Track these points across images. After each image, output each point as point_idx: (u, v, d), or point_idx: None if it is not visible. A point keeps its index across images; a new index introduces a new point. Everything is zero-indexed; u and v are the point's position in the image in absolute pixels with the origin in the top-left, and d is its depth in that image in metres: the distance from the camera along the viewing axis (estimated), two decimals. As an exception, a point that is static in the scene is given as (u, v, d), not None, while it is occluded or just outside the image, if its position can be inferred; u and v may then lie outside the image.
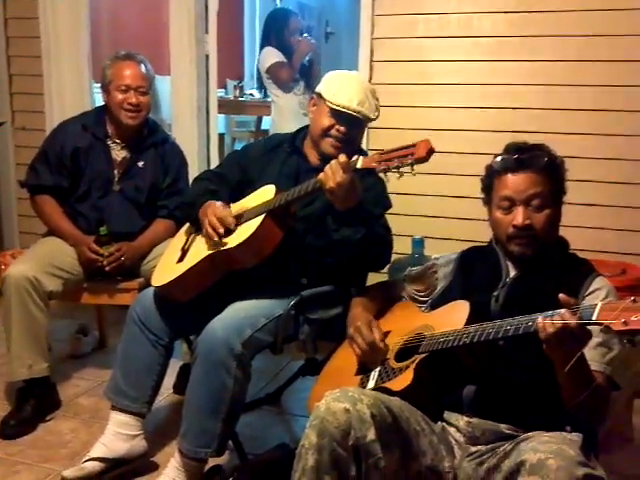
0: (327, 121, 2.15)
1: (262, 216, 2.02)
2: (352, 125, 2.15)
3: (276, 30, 4.16)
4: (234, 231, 2.08)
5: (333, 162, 1.87)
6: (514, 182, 1.70)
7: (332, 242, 2.01)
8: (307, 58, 3.94)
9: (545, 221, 1.69)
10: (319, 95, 2.19)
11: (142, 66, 2.74)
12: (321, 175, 1.90)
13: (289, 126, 3.94)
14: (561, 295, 1.39)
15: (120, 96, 2.70)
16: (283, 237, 2.04)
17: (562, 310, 1.37)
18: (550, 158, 1.73)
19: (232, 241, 2.05)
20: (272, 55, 4.14)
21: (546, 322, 1.38)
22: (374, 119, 2.20)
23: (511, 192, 1.70)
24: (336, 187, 1.85)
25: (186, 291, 2.16)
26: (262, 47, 4.27)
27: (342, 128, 2.14)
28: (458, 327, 1.61)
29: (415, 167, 1.71)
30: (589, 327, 1.36)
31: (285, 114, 4.03)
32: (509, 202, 1.71)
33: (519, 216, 1.68)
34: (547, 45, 2.91)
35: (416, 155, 1.70)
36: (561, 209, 1.75)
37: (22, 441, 2.46)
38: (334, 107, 2.12)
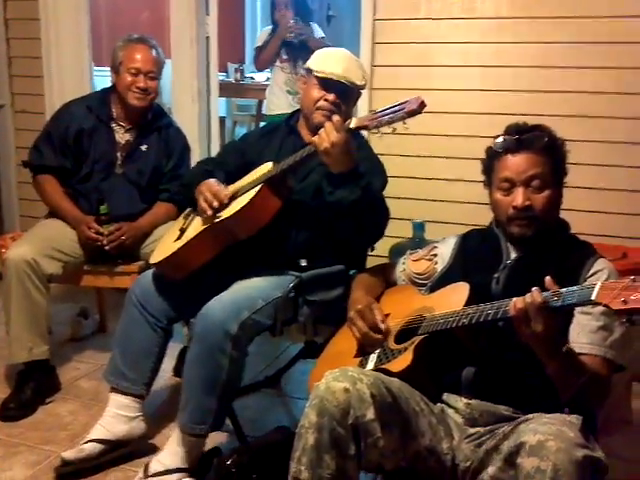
0: (316, 93, 2.18)
1: (259, 185, 2.04)
2: (340, 93, 2.16)
3: (271, 6, 4.12)
4: (229, 206, 2.09)
5: (327, 123, 1.90)
6: (514, 163, 1.69)
7: (328, 205, 2.01)
8: (296, 39, 3.88)
9: (545, 202, 1.68)
10: (308, 70, 2.23)
11: (154, 51, 2.74)
12: (315, 137, 1.93)
13: (275, 102, 3.96)
14: (547, 278, 1.40)
15: (129, 78, 2.69)
16: (280, 208, 2.05)
17: (533, 289, 1.40)
18: (550, 138, 1.71)
19: (228, 211, 2.06)
20: (258, 39, 4.16)
21: (517, 299, 1.41)
22: (361, 86, 2.22)
23: (511, 173, 1.69)
24: (330, 147, 1.88)
25: (183, 267, 2.16)
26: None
27: (331, 96, 2.16)
28: (458, 308, 1.61)
29: (407, 122, 1.75)
30: (593, 307, 1.37)
31: (273, 90, 4.03)
32: (509, 183, 1.70)
33: (519, 197, 1.67)
34: (549, 27, 2.88)
35: (407, 109, 1.74)
36: (562, 190, 1.74)
37: (22, 423, 2.47)
38: (320, 75, 2.16)
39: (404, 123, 1.76)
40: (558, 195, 1.72)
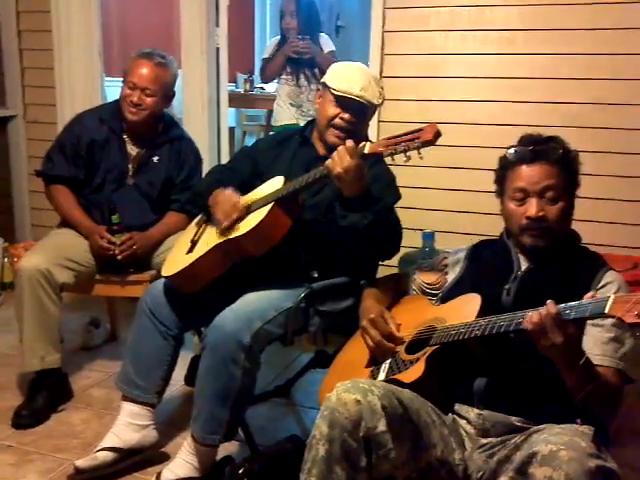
0: (332, 110, 2.16)
1: (271, 204, 2.04)
2: (356, 112, 2.15)
3: (280, 14, 4.13)
4: (243, 220, 2.09)
5: (340, 148, 1.89)
6: (528, 173, 1.70)
7: (340, 229, 2.01)
8: (300, 56, 3.89)
9: (559, 213, 1.69)
10: (324, 85, 2.21)
11: (159, 68, 2.71)
12: (328, 162, 1.91)
13: (281, 113, 3.97)
14: (548, 302, 1.42)
15: (127, 91, 2.71)
16: (292, 226, 2.05)
17: (548, 302, 1.40)
18: (565, 150, 1.72)
19: (241, 229, 2.07)
20: (266, 50, 4.17)
21: (533, 313, 1.42)
22: (378, 105, 2.21)
23: (525, 183, 1.70)
24: (343, 172, 1.87)
25: (195, 281, 2.17)
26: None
27: (346, 115, 2.15)
28: (470, 319, 1.62)
29: (422, 151, 1.74)
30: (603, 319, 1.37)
31: (279, 102, 4.05)
32: (523, 193, 1.70)
33: (532, 207, 1.68)
34: (559, 38, 2.89)
35: (422, 139, 1.73)
36: (574, 202, 1.75)
37: (35, 431, 2.48)
38: (337, 93, 2.14)
39: (419, 153, 1.74)
40: (571, 206, 1.73)
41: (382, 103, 2.23)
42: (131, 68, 2.72)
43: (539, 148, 1.71)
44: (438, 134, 1.72)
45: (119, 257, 2.65)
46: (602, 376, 1.51)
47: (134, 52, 2.79)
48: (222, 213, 2.10)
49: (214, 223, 2.19)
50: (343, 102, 2.14)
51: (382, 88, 2.22)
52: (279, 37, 4.10)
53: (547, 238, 1.70)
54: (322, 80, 2.25)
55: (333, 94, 2.15)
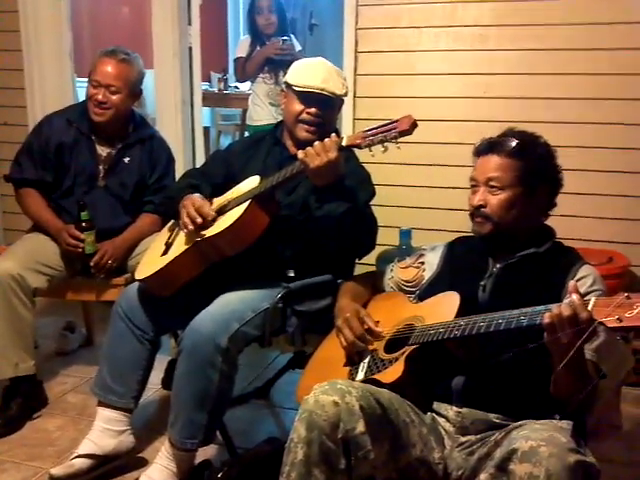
0: (297, 106, 2.17)
1: (247, 202, 2.02)
2: (321, 105, 2.15)
3: (249, 12, 4.09)
4: (216, 221, 2.08)
5: (317, 143, 1.89)
6: (480, 164, 1.78)
7: (316, 220, 2.01)
8: (282, 58, 3.88)
9: (498, 204, 1.72)
10: (287, 84, 2.22)
11: (122, 65, 2.66)
12: (301, 154, 1.91)
13: (259, 112, 3.93)
14: (571, 282, 1.40)
15: (92, 90, 2.67)
16: (269, 224, 2.04)
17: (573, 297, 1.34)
18: (522, 143, 1.74)
19: (215, 228, 2.05)
20: (239, 48, 4.12)
21: (560, 306, 1.34)
22: (341, 95, 2.21)
23: (475, 173, 1.78)
24: (323, 166, 1.87)
25: (170, 284, 2.14)
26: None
27: (312, 110, 2.15)
28: (449, 319, 1.61)
29: (400, 145, 1.77)
30: None
31: (256, 101, 4.01)
32: (474, 182, 1.78)
33: (474, 196, 1.75)
34: (532, 34, 2.90)
35: (399, 128, 1.76)
36: (538, 194, 1.74)
37: (9, 440, 2.43)
38: (299, 89, 2.15)
39: (396, 144, 1.77)
40: (521, 198, 1.72)
41: (346, 94, 2.23)
42: (95, 66, 2.67)
43: (494, 140, 1.77)
44: (414, 124, 1.75)
45: (95, 273, 2.62)
46: (593, 377, 1.50)
47: (98, 51, 2.74)
48: (188, 217, 2.08)
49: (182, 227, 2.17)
50: (307, 97, 2.15)
51: (345, 79, 2.23)
52: (248, 36, 4.05)
53: (488, 226, 1.74)
54: (284, 80, 2.26)
55: (295, 91, 2.16)
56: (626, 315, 1.24)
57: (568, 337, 1.33)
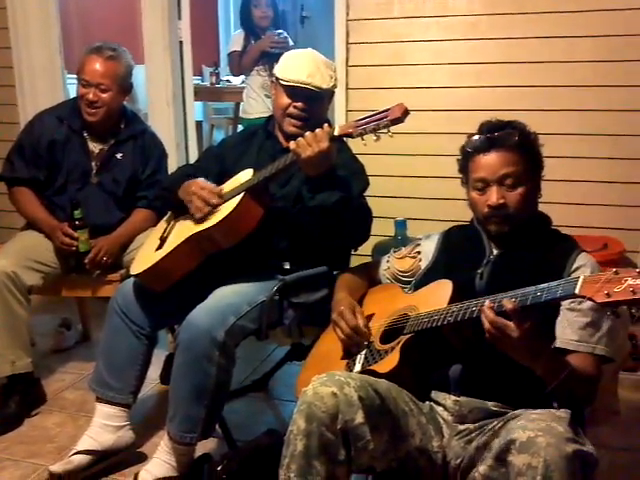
0: (284, 100, 2.16)
1: (241, 194, 2.02)
2: (308, 99, 2.14)
3: (243, 5, 4.09)
4: (212, 213, 2.07)
5: (308, 133, 1.88)
6: (486, 162, 1.70)
7: (309, 211, 2.00)
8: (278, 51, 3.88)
9: (519, 199, 1.68)
10: (275, 78, 2.21)
11: (110, 62, 2.64)
12: (292, 144, 1.91)
13: (253, 105, 3.93)
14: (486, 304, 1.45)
15: (82, 89, 2.65)
16: (263, 216, 2.04)
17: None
18: (522, 135, 1.72)
19: (211, 220, 2.05)
20: (234, 42, 4.12)
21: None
22: (328, 89, 2.19)
23: (484, 173, 1.70)
24: (314, 156, 1.87)
25: (165, 278, 2.13)
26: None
27: (299, 104, 2.14)
28: (442, 306, 1.61)
29: (391, 129, 1.76)
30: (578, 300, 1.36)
31: (251, 93, 4.01)
32: (483, 183, 1.71)
33: (492, 195, 1.68)
34: (522, 23, 2.90)
35: (391, 117, 1.75)
36: (539, 184, 1.75)
37: (8, 437, 2.44)
38: (286, 83, 2.14)
39: (388, 131, 1.76)
40: (533, 190, 1.73)
41: (335, 86, 2.22)
42: (82, 65, 2.66)
43: (495, 135, 1.70)
44: (406, 112, 1.75)
45: (90, 269, 2.62)
46: (571, 364, 1.50)
47: (85, 48, 2.72)
48: (199, 199, 2.07)
49: (184, 217, 2.16)
50: (293, 91, 2.14)
51: (334, 71, 2.22)
52: (242, 31, 4.05)
53: (510, 224, 1.70)
54: (273, 72, 2.25)
55: (282, 85, 2.15)
56: (615, 290, 1.25)
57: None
